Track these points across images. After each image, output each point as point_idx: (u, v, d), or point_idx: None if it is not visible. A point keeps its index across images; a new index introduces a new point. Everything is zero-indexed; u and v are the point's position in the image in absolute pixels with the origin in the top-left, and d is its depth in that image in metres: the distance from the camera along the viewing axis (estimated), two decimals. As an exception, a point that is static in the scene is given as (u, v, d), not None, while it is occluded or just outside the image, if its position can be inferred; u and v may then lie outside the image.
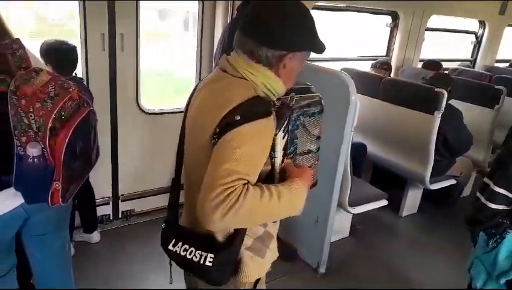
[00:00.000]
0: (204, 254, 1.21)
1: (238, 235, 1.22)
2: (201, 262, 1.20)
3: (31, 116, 1.33)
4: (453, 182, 3.70)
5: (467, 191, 4.17)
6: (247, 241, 1.28)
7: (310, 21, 1.22)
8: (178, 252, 1.25)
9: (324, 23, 4.09)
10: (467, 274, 1.90)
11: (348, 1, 4.09)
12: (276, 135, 1.16)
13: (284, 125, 1.19)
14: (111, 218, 3.29)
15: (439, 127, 3.21)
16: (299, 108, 1.24)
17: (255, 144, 1.10)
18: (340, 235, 3.32)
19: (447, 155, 3.47)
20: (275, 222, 1.37)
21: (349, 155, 2.74)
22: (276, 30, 1.15)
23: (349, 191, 2.90)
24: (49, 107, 1.35)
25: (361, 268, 3.04)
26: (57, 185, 1.39)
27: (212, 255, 1.20)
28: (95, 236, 3.00)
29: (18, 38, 1.52)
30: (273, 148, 1.18)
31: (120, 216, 3.31)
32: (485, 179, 1.72)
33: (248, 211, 1.05)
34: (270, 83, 1.18)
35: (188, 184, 1.36)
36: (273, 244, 1.40)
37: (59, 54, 2.42)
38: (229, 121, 1.09)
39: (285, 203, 1.14)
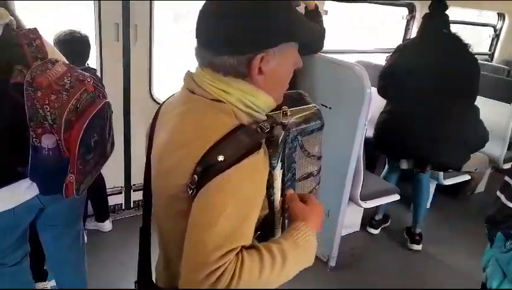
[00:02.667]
0: None
1: None
2: None
3: (47, 108, 1.33)
4: (467, 177, 3.65)
5: (481, 188, 4.11)
6: None
7: (276, 3, 0.89)
8: None
9: (338, 15, 4.04)
10: (481, 271, 1.87)
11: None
12: (274, 168, 0.90)
13: (281, 152, 0.92)
14: (123, 207, 3.33)
15: (454, 123, 3.15)
16: (296, 125, 0.98)
17: (249, 191, 0.84)
18: (351, 229, 3.31)
19: (461, 151, 3.41)
20: None
21: (362, 149, 2.72)
22: (227, 28, 0.87)
23: (361, 185, 2.88)
24: (64, 100, 1.35)
25: (371, 262, 3.04)
26: (71, 178, 1.39)
27: None
28: (107, 225, 3.04)
29: (35, 28, 1.51)
30: (271, 185, 0.92)
31: (132, 206, 3.35)
32: (506, 178, 1.68)
33: (247, 288, 0.81)
34: (248, 98, 0.90)
35: (160, 234, 1.06)
36: None
37: (72, 44, 2.43)
38: (209, 163, 0.82)
39: (293, 264, 0.89)
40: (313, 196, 1.02)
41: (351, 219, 3.19)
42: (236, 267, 0.79)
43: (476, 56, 2.93)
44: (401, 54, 2.90)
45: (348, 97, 2.56)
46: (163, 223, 1.02)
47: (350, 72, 2.53)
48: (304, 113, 1.02)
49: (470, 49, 2.91)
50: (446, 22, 2.91)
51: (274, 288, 0.90)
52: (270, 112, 0.98)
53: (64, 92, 1.36)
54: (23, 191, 1.53)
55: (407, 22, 4.42)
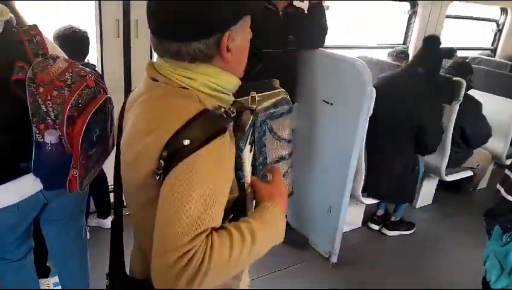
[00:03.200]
0: None
1: None
2: None
3: (49, 104, 1.34)
4: (469, 174, 3.65)
5: (483, 184, 4.10)
6: None
7: None
8: None
9: (341, 10, 4.03)
10: (482, 267, 1.88)
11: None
12: (241, 151, 0.92)
13: (249, 135, 0.94)
14: (124, 204, 3.32)
15: (456, 118, 3.15)
16: (264, 110, 1.01)
17: (215, 174, 0.84)
18: (353, 225, 3.31)
19: (463, 147, 3.42)
20: None
21: (363, 145, 2.72)
22: (190, 14, 0.86)
23: (362, 182, 2.88)
24: (66, 95, 1.36)
25: (373, 258, 3.04)
26: (75, 173, 1.40)
27: None
28: (109, 221, 3.04)
29: (35, 25, 1.52)
30: (239, 168, 0.94)
31: (134, 202, 3.35)
32: (506, 171, 1.68)
33: (218, 270, 0.82)
34: (212, 81, 0.91)
35: (134, 225, 1.06)
36: (245, 275, 1.13)
37: (71, 40, 2.44)
38: (174, 147, 0.82)
39: (262, 242, 0.90)
40: (275, 179, 1.02)
41: (352, 216, 3.19)
42: (206, 249, 0.79)
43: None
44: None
45: (350, 93, 2.56)
46: (135, 213, 1.02)
47: (351, 67, 2.53)
48: (274, 98, 1.04)
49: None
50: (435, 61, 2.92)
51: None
52: (239, 97, 0.98)
53: (66, 88, 1.37)
54: (27, 186, 1.53)
55: (409, 17, 4.39)
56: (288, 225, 1.40)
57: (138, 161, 0.90)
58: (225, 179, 0.87)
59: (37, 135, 1.38)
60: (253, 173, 0.99)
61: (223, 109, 0.89)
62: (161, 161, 0.83)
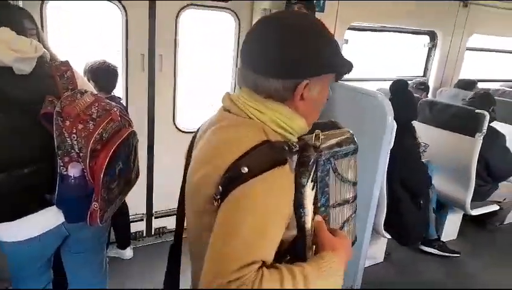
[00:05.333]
0: None
1: None
2: None
3: (74, 137, 1.37)
4: (495, 208, 3.53)
5: (510, 218, 3.96)
6: None
7: (325, 37, 0.97)
8: None
9: (360, 43, 4.06)
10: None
11: (383, 22, 4.05)
12: (304, 186, 0.89)
13: (312, 172, 0.91)
14: (144, 235, 3.34)
15: (480, 151, 3.08)
16: (328, 148, 0.96)
17: (270, 204, 0.84)
18: (375, 260, 3.22)
19: (489, 180, 3.33)
20: None
21: (385, 179, 2.67)
22: (282, 55, 0.92)
23: (384, 216, 2.82)
24: (91, 129, 1.39)
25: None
26: (96, 206, 1.41)
27: None
28: (128, 252, 3.04)
29: (67, 61, 1.58)
30: (300, 205, 0.91)
31: (153, 233, 3.35)
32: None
33: None
34: (282, 119, 0.95)
35: (190, 251, 1.09)
36: None
37: (102, 73, 2.53)
38: (233, 175, 0.84)
39: (315, 288, 0.86)
40: (340, 231, 1.00)
41: (374, 250, 3.11)
42: (255, 281, 0.78)
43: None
44: None
45: (370, 125, 2.54)
46: (193, 239, 1.04)
47: (372, 100, 2.52)
48: (338, 137, 1.02)
49: None
50: None
51: None
52: (303, 135, 1.01)
53: (91, 122, 1.40)
54: (50, 218, 1.55)
55: (428, 50, 4.40)
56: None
57: (200, 186, 0.93)
58: (281, 210, 0.86)
59: (61, 168, 1.40)
60: (314, 214, 0.96)
61: (286, 143, 0.91)
62: (220, 187, 0.86)
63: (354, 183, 1.07)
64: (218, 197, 0.85)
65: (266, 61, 0.94)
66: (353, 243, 1.12)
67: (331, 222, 1.03)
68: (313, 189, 0.93)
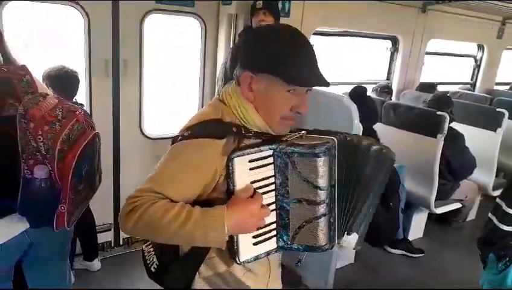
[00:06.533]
0: (154, 259, 1.23)
1: (191, 256, 1.16)
2: (149, 265, 1.24)
3: (40, 138, 1.33)
4: (458, 205, 3.67)
5: (472, 215, 4.12)
6: (206, 271, 1.19)
7: (285, 45, 1.09)
8: (144, 251, 1.28)
9: (324, 48, 4.14)
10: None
11: (347, 28, 4.16)
12: (231, 160, 1.05)
13: (253, 154, 1.06)
14: (112, 245, 3.24)
15: (442, 151, 3.20)
16: (289, 145, 1.07)
17: (191, 162, 1.05)
18: (346, 261, 3.26)
19: (450, 179, 3.46)
20: (249, 270, 1.21)
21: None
22: (245, 50, 1.15)
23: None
24: (57, 130, 1.36)
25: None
26: (63, 208, 1.38)
27: (157, 263, 1.22)
28: (96, 264, 2.94)
29: (24, 65, 1.53)
30: (229, 176, 1.06)
31: (121, 243, 3.27)
32: (498, 200, 1.69)
33: (146, 225, 1.01)
34: (240, 108, 1.12)
35: None
36: None
37: (61, 79, 2.45)
38: (180, 134, 1.10)
39: (191, 230, 1.00)
40: (260, 198, 1.08)
41: (345, 251, 3.14)
42: (147, 203, 1.01)
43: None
44: None
45: (337, 128, 2.57)
46: None
47: (338, 103, 2.57)
48: (310, 141, 1.10)
49: None
50: None
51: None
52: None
53: (57, 123, 1.37)
54: (12, 226, 1.48)
55: (391, 54, 4.56)
56: (282, 264, 1.40)
57: None
58: (198, 171, 1.06)
59: (25, 171, 1.35)
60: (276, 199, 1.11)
61: (238, 126, 1.11)
62: (171, 142, 1.13)
63: (318, 187, 1.08)
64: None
65: (240, 54, 1.16)
66: (331, 248, 1.17)
67: (290, 214, 1.12)
68: (252, 169, 1.07)
